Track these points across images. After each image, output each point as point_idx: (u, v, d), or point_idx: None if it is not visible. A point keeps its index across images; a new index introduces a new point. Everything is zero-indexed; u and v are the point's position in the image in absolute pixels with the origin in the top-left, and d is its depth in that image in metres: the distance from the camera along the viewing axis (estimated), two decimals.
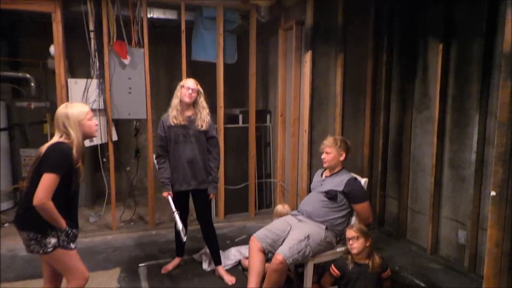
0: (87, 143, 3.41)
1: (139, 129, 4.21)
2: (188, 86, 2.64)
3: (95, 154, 4.24)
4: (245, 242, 3.14)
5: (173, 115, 2.64)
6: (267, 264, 2.36)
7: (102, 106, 3.54)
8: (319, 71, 3.58)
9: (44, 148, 1.84)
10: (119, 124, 4.36)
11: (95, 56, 3.59)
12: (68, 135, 1.85)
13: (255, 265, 2.35)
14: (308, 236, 2.32)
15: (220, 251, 2.90)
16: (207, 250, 2.93)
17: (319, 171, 2.74)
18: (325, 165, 2.60)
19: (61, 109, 1.89)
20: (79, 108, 1.91)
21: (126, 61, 3.57)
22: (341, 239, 2.48)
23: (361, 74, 3.73)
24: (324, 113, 3.65)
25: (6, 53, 4.50)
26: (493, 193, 1.53)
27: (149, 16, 3.67)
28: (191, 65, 3.95)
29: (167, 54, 5.03)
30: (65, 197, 1.85)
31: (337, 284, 2.38)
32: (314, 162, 3.58)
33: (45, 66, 4.39)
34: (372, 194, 3.81)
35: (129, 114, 3.68)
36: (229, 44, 3.98)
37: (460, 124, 2.99)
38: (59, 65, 3.42)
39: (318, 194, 2.54)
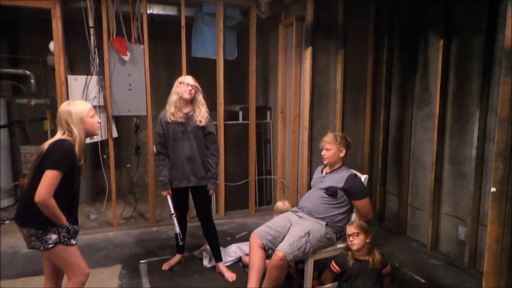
0: (87, 140, 3.41)
1: (139, 125, 4.20)
2: (187, 82, 2.64)
3: (95, 151, 4.25)
4: (246, 238, 3.15)
5: (171, 112, 2.64)
6: (267, 261, 2.37)
7: (102, 103, 3.53)
8: (320, 67, 3.57)
9: (46, 145, 1.84)
10: (119, 120, 4.36)
11: (94, 53, 3.58)
12: (70, 132, 1.86)
13: (256, 262, 2.36)
14: (308, 232, 2.32)
15: (221, 248, 2.91)
16: (208, 247, 2.94)
17: (319, 168, 2.74)
18: (325, 162, 2.59)
19: (64, 107, 1.90)
20: (81, 106, 1.92)
21: (126, 58, 3.56)
22: (341, 235, 2.48)
23: (362, 70, 3.72)
24: (324, 110, 3.65)
25: (6, 49, 4.50)
26: (493, 189, 1.53)
27: (149, 12, 3.66)
28: (191, 61, 3.94)
29: (167, 51, 5.02)
30: (67, 194, 1.86)
31: (337, 280, 2.39)
32: (314, 159, 3.58)
33: (44, 63, 4.38)
34: (372, 190, 3.81)
35: (129, 110, 3.67)
36: (229, 40, 3.96)
37: (461, 120, 2.98)
38: (59, 62, 3.41)
39: (318, 191, 2.54)
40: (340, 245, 2.47)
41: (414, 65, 3.40)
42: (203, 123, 2.66)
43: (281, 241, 2.32)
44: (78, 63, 4.41)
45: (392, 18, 3.61)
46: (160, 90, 4.98)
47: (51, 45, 3.58)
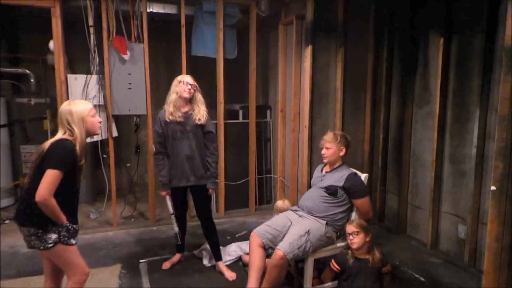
0: (87, 139, 3.41)
1: (139, 125, 4.20)
2: (186, 81, 2.64)
3: (95, 150, 4.25)
4: (246, 237, 3.15)
5: (170, 111, 2.63)
6: (267, 260, 2.37)
7: (102, 102, 3.53)
8: (320, 66, 3.56)
9: (47, 144, 1.84)
10: (119, 120, 4.36)
11: (94, 52, 3.57)
12: (71, 132, 1.87)
13: (256, 261, 2.36)
14: (308, 231, 2.32)
15: (221, 247, 2.91)
16: (208, 246, 2.94)
17: (319, 167, 2.73)
18: (325, 161, 2.59)
19: (65, 106, 1.91)
20: (82, 105, 1.93)
21: (126, 57, 3.56)
22: (341, 234, 2.48)
23: (362, 69, 3.72)
24: (324, 109, 3.65)
25: (5, 49, 4.49)
26: (493, 187, 1.53)
27: (148, 10, 3.66)
28: (191, 60, 3.94)
29: (167, 49, 5.01)
30: (67, 194, 1.86)
31: (337, 279, 2.39)
32: (314, 158, 3.58)
33: (44, 62, 4.38)
34: (372, 189, 3.81)
35: (129, 110, 3.67)
36: (229, 39, 3.96)
37: (461, 119, 2.98)
38: (59, 61, 3.41)
39: (318, 190, 2.54)
40: (340, 244, 2.47)
41: (414, 64, 3.40)
42: (202, 121, 2.66)
43: (281, 240, 2.32)
44: (78, 62, 4.41)
45: (392, 17, 3.60)
46: (160, 89, 4.97)
47: (51, 44, 3.58)
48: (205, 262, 2.96)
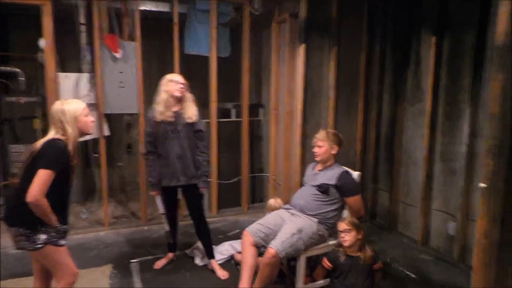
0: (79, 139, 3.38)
1: (131, 123, 4.17)
2: (177, 80, 2.63)
3: (86, 149, 4.20)
4: (238, 236, 3.14)
5: (160, 111, 2.60)
6: (259, 258, 2.37)
7: (93, 101, 3.50)
8: (313, 64, 3.57)
9: (38, 144, 1.82)
10: (111, 118, 4.32)
11: (86, 50, 3.54)
12: (64, 131, 1.85)
13: (248, 260, 2.36)
14: (300, 229, 2.33)
15: (213, 246, 2.90)
16: (200, 245, 2.93)
17: (312, 165, 2.74)
18: (317, 159, 2.60)
19: (57, 105, 1.89)
20: (75, 104, 1.92)
21: (118, 55, 3.52)
22: (333, 232, 2.49)
23: (354, 68, 3.73)
24: (317, 107, 3.65)
25: None
26: (483, 185, 1.54)
27: (141, 8, 3.62)
28: (184, 58, 3.92)
29: (160, 48, 4.97)
30: (60, 194, 1.85)
31: (329, 276, 2.40)
32: (307, 156, 3.58)
33: (35, 60, 4.32)
34: (364, 187, 3.83)
35: (121, 108, 3.64)
36: (222, 37, 3.95)
37: (452, 117, 3.01)
38: (49, 59, 3.36)
39: (310, 188, 2.55)
40: (332, 242, 2.48)
41: (406, 62, 3.42)
42: (193, 120, 2.65)
43: (274, 238, 2.32)
44: (69, 60, 4.35)
45: (385, 16, 3.62)
46: (152, 87, 4.86)
47: (41, 42, 3.53)
48: (197, 261, 2.96)
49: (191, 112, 2.64)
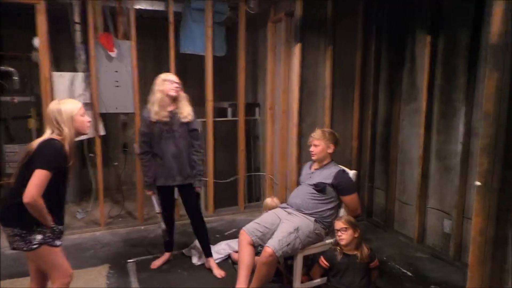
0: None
1: (127, 123, 4.15)
2: (172, 79, 2.62)
3: (82, 149, 4.18)
4: (235, 236, 3.15)
5: (155, 111, 2.58)
6: (256, 257, 2.37)
7: (88, 100, 3.48)
8: (309, 63, 3.57)
9: (35, 144, 1.81)
10: (107, 118, 4.30)
11: (81, 49, 3.52)
12: (60, 131, 1.84)
13: (245, 259, 2.36)
14: (297, 228, 2.33)
15: (210, 245, 2.90)
16: (197, 244, 2.93)
17: (308, 164, 2.74)
18: (313, 158, 2.60)
19: (54, 105, 1.88)
20: (71, 104, 1.91)
21: (113, 54, 3.50)
22: (330, 230, 2.50)
23: (350, 66, 3.74)
24: (313, 106, 3.66)
25: None
26: (478, 183, 1.55)
27: (136, 7, 3.61)
28: (180, 57, 3.90)
29: (155, 47, 4.95)
30: (56, 195, 1.83)
31: (326, 275, 2.41)
32: (303, 155, 3.59)
33: (29, 59, 4.28)
34: (361, 186, 3.84)
35: (117, 108, 3.63)
36: (218, 36, 3.94)
37: (447, 115, 3.02)
38: (43, 58, 3.33)
39: (307, 187, 2.55)
40: (329, 241, 2.49)
41: (401, 61, 3.44)
42: (188, 119, 2.64)
43: (270, 237, 2.32)
44: (63, 59, 4.32)
45: (380, 15, 3.64)
46: (147, 86, 4.83)
47: (35, 41, 3.50)
48: (194, 260, 2.95)
49: (186, 111, 2.64)
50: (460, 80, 2.89)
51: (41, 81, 3.36)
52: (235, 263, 2.83)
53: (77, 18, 3.44)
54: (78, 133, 1.93)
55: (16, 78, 4.37)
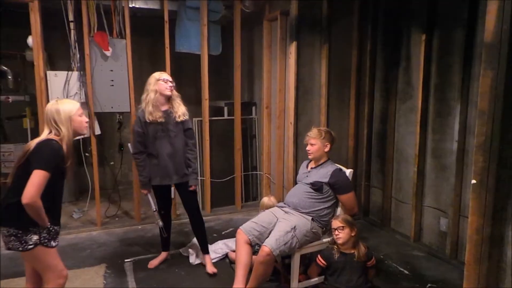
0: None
1: (122, 122, 4.13)
2: (166, 78, 2.60)
3: (78, 149, 4.15)
4: (232, 235, 3.14)
5: (149, 111, 2.56)
6: (254, 256, 2.37)
7: (83, 99, 3.46)
8: (304, 62, 3.57)
9: (32, 144, 1.80)
10: (102, 117, 4.27)
11: (75, 48, 3.49)
12: (58, 131, 1.83)
13: (242, 258, 2.36)
14: (294, 227, 2.33)
15: (208, 244, 2.89)
16: (195, 241, 2.92)
17: (305, 163, 2.75)
18: (310, 157, 2.60)
19: (52, 105, 1.87)
20: (70, 104, 1.90)
21: (108, 53, 3.48)
22: (327, 229, 2.50)
23: (346, 64, 3.74)
24: (309, 105, 3.66)
25: None
26: (474, 181, 1.55)
27: (131, 5, 3.59)
28: (175, 56, 3.89)
29: (150, 45, 4.93)
30: (53, 195, 1.82)
31: (323, 274, 2.41)
32: (300, 154, 3.59)
33: (23, 58, 4.24)
34: (357, 184, 3.86)
35: (112, 107, 3.61)
36: (213, 35, 3.92)
37: (442, 113, 3.03)
38: (38, 57, 3.31)
39: (304, 186, 2.55)
40: (326, 239, 2.49)
41: (397, 59, 3.44)
42: (183, 118, 2.64)
43: (268, 236, 2.32)
44: (58, 58, 4.29)
45: (376, 13, 3.64)
46: (143, 86, 4.88)
47: (30, 40, 3.47)
48: (192, 260, 2.95)
49: (181, 111, 2.63)
50: (455, 78, 2.90)
51: (35, 80, 3.33)
52: (232, 262, 2.83)
53: (71, 17, 3.41)
54: (76, 133, 1.92)
55: (10, 77, 4.33)
